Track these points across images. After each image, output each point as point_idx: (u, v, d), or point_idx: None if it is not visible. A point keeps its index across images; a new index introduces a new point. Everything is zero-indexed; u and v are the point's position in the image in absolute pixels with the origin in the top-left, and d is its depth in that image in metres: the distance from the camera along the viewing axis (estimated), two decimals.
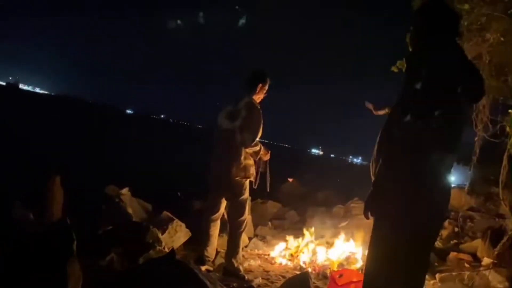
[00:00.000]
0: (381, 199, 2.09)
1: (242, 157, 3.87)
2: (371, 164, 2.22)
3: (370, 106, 2.75)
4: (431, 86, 2.00)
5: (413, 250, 2.06)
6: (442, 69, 2.05)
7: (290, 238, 4.96)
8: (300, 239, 4.94)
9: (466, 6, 3.99)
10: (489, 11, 4.05)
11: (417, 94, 2.01)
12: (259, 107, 3.91)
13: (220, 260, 4.16)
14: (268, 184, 4.25)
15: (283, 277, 4.08)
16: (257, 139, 3.89)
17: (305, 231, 5.01)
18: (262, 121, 3.87)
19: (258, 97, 3.98)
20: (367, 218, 2.13)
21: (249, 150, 3.91)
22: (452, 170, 2.12)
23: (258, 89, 3.95)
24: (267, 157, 4.12)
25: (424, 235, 2.09)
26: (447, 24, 2.17)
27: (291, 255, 4.72)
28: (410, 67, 2.16)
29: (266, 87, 4.02)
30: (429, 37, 2.16)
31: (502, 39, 4.11)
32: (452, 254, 4.70)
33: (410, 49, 2.34)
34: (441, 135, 2.00)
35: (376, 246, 2.15)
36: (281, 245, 4.91)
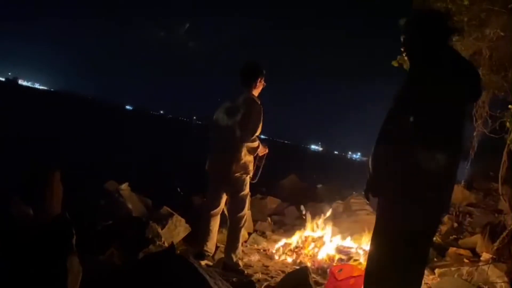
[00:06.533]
0: (381, 193, 2.11)
1: (243, 154, 3.85)
2: (370, 159, 2.22)
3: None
4: (429, 85, 2.03)
5: (412, 244, 2.08)
6: (439, 69, 2.10)
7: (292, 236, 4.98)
8: (298, 234, 4.95)
9: (466, 2, 3.98)
10: (489, 6, 4.03)
11: (415, 93, 2.06)
12: (259, 102, 3.89)
13: (219, 255, 4.16)
14: (257, 177, 4.19)
15: (283, 272, 4.08)
16: (257, 134, 3.87)
17: (298, 232, 5.05)
18: (262, 117, 3.86)
19: (257, 91, 3.97)
20: (369, 199, 2.25)
21: (247, 146, 3.89)
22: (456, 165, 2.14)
23: (258, 84, 3.95)
24: (263, 152, 4.10)
25: (422, 230, 2.11)
26: (440, 31, 2.24)
27: (291, 250, 4.73)
28: (413, 68, 2.20)
29: (263, 79, 4.00)
30: (423, 42, 2.22)
31: (502, 34, 4.09)
32: (451, 250, 4.72)
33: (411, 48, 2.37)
34: (438, 132, 2.03)
35: (377, 243, 2.16)
36: (280, 241, 4.91)
